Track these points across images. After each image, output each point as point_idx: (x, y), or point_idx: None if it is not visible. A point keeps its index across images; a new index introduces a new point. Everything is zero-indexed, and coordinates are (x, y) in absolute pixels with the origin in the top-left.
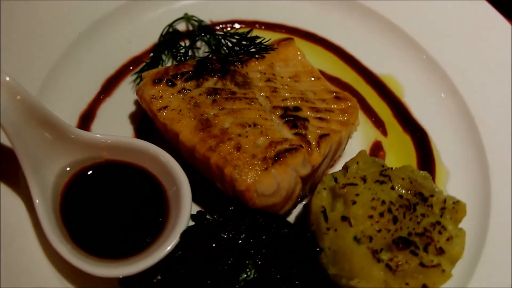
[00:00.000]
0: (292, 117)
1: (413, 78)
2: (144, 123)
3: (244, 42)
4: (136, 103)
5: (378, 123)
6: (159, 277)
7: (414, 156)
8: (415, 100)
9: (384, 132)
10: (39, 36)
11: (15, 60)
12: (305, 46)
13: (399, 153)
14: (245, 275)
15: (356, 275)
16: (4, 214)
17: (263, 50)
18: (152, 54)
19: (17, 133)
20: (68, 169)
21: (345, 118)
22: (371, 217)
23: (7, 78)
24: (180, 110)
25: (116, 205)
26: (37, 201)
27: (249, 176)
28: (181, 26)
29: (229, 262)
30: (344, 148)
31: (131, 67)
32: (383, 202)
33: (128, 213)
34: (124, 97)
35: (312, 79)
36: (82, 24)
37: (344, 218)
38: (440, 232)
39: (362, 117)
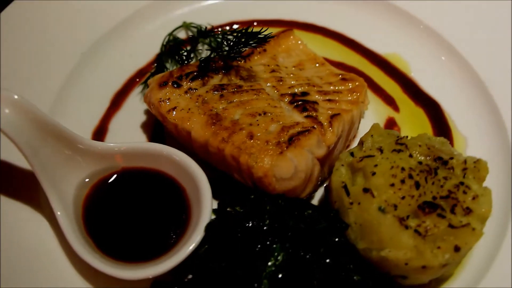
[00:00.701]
0: (301, 102)
1: (417, 53)
2: (156, 131)
3: (243, 39)
4: (146, 112)
5: (389, 100)
6: (190, 276)
7: (429, 127)
8: (423, 74)
9: (396, 108)
10: (43, 61)
11: (22, 86)
12: (306, 36)
13: (414, 126)
14: (274, 260)
15: (385, 245)
16: (27, 233)
17: (263, 40)
18: (156, 64)
19: (33, 150)
20: (87, 180)
21: (354, 97)
22: (392, 185)
23: (16, 96)
24: (189, 109)
25: (138, 210)
26: (59, 213)
27: (265, 162)
28: (182, 34)
29: (256, 249)
30: (358, 128)
31: (137, 79)
32: (403, 169)
33: (151, 216)
34: (134, 109)
35: (317, 65)
36: (84, 45)
37: (366, 190)
38: (465, 192)
39: (372, 97)
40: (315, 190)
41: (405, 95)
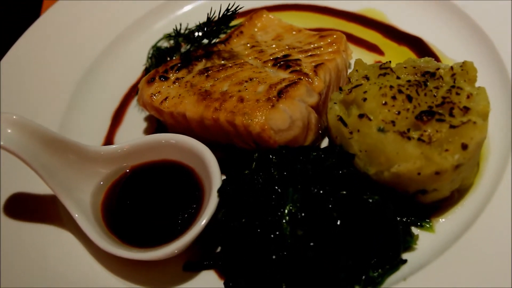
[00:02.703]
0: (283, 61)
1: (391, 2)
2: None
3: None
4: (147, 119)
5: (372, 48)
6: (218, 250)
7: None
8: (400, 18)
9: (381, 52)
10: (42, 90)
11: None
12: (280, 16)
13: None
14: (290, 204)
15: (394, 162)
16: (52, 248)
17: (233, 15)
18: None
19: (44, 166)
20: (101, 183)
21: (335, 47)
22: (385, 104)
23: (15, 116)
24: (180, 95)
25: (154, 200)
26: (76, 215)
27: (260, 117)
28: (165, 44)
29: (272, 199)
30: (346, 77)
31: (132, 94)
32: (391, 87)
33: (168, 202)
34: (134, 119)
35: (294, 33)
36: (77, 73)
37: (361, 116)
38: (458, 94)
39: (355, 49)
40: (317, 138)
41: (387, 39)
